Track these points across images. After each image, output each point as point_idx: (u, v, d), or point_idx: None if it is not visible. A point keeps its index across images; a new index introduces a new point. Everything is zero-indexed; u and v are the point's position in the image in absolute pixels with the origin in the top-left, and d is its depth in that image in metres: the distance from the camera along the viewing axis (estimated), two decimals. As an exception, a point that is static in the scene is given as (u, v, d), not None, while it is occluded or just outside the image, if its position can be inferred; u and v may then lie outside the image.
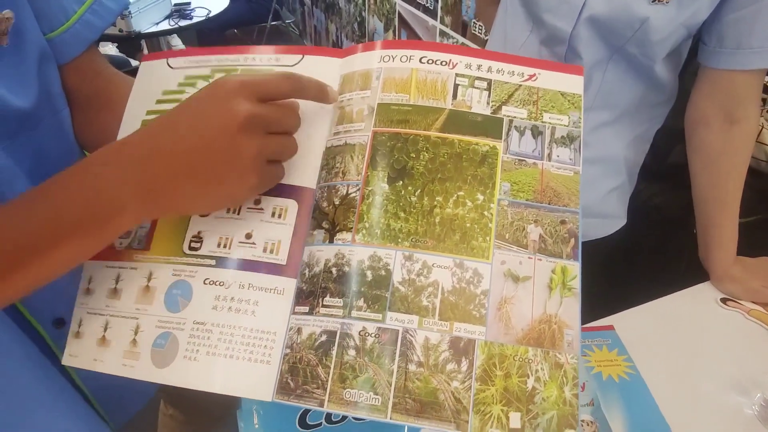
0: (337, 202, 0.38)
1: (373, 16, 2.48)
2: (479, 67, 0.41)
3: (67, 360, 0.40)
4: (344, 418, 0.45)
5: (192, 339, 0.37)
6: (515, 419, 0.32)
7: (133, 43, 2.74)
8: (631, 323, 0.64)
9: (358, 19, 2.72)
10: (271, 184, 0.38)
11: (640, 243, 0.88)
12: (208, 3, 2.63)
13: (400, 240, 0.36)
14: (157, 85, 0.44)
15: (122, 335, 0.38)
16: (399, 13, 2.14)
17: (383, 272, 0.36)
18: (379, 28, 2.44)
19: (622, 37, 0.63)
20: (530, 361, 0.34)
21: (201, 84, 0.44)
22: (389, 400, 0.32)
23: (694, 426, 0.53)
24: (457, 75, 0.41)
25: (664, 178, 0.93)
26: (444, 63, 0.41)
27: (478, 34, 1.61)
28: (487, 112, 0.40)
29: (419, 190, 0.38)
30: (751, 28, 0.59)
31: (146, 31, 2.31)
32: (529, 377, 0.33)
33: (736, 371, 0.59)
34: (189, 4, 2.59)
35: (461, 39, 1.66)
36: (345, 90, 0.42)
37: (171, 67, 0.45)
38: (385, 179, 0.38)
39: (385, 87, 0.41)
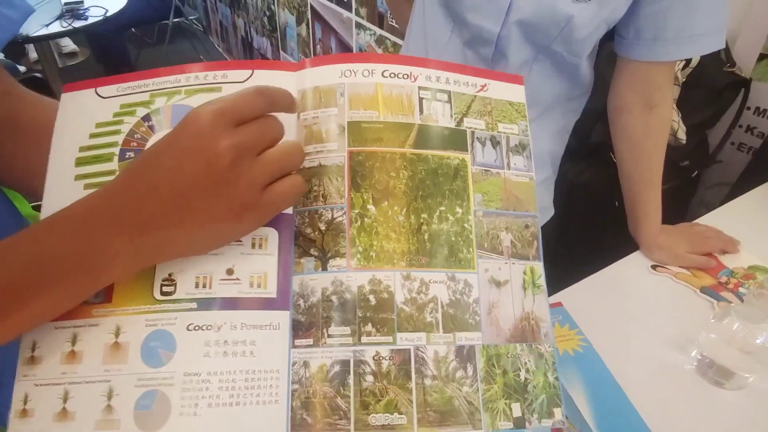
0: (323, 228, 0.38)
1: (283, 9, 2.30)
2: (438, 78, 0.43)
3: None
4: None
5: (186, 393, 0.34)
6: (516, 409, 0.37)
7: (17, 48, 2.33)
8: (577, 297, 0.71)
9: (267, 13, 2.51)
10: (285, 203, 0.36)
11: (573, 220, 0.97)
12: (105, 2, 2.33)
13: (395, 261, 0.37)
14: (88, 118, 0.38)
15: (90, 403, 0.33)
16: (311, 6, 2.01)
17: (386, 295, 0.37)
18: (291, 22, 2.28)
19: (548, 37, 0.67)
20: (519, 355, 0.38)
21: (141, 111, 0.39)
22: (413, 416, 0.34)
23: (643, 386, 0.61)
24: (420, 88, 0.42)
25: (587, 157, 1.03)
26: (406, 76, 0.42)
27: (396, 26, 1.58)
28: (452, 125, 0.42)
29: (405, 209, 0.39)
30: (665, 21, 0.66)
31: (35, 34, 2.01)
32: (520, 370, 0.38)
33: (672, 332, 0.67)
34: (82, 3, 2.25)
35: (379, 31, 1.62)
36: (307, 107, 0.40)
37: (101, 97, 0.39)
38: (371, 201, 0.38)
39: (353, 104, 0.40)
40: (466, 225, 0.40)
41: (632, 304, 0.73)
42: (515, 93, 0.45)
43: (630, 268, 0.80)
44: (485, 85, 0.44)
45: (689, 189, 1.18)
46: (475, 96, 0.43)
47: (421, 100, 0.42)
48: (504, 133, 0.43)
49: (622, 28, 0.70)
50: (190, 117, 0.32)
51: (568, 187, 0.94)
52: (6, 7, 0.39)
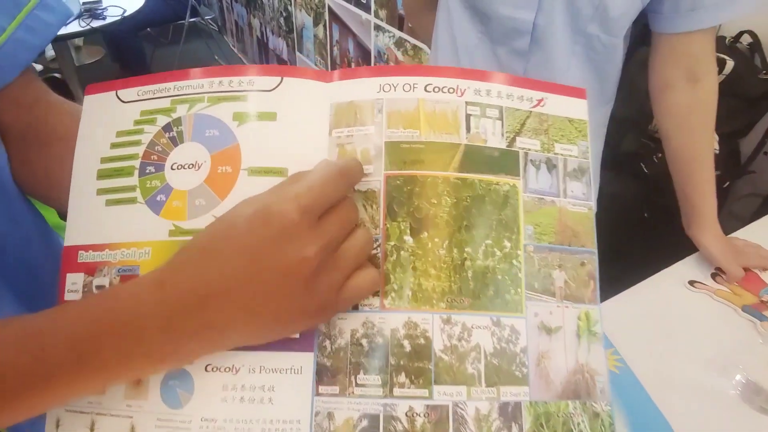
0: (354, 260, 0.34)
1: (300, 10, 2.29)
2: (488, 92, 0.38)
3: None
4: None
5: None
6: (567, 477, 0.32)
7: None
8: (610, 314, 0.66)
9: (284, 13, 2.51)
10: (361, 299, 0.33)
11: (601, 230, 0.93)
12: (122, 1, 2.35)
13: (434, 301, 0.33)
14: (109, 126, 0.35)
15: None
16: (329, 7, 1.98)
17: (422, 340, 0.32)
18: (308, 23, 2.26)
19: (583, 16, 0.64)
20: (572, 414, 0.34)
21: (162, 120, 0.35)
22: (448, 484, 0.30)
23: (683, 410, 0.56)
24: (467, 103, 0.37)
25: (616, 167, 0.99)
26: (451, 90, 0.37)
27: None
28: (503, 145, 0.37)
29: (446, 242, 0.34)
30: None
31: (53, 34, 2.05)
32: (573, 431, 0.33)
33: (713, 353, 0.62)
34: (100, 2, 2.28)
35: (398, 33, 1.58)
36: (341, 124, 0.36)
37: (122, 101, 0.36)
38: (408, 231, 0.34)
39: (391, 122, 0.36)
40: (514, 261, 0.35)
41: (669, 322, 0.69)
42: (576, 108, 0.40)
43: (666, 283, 0.75)
44: (542, 99, 0.39)
45: (720, 200, 1.14)
46: (531, 112, 0.38)
47: (468, 116, 0.37)
48: (562, 155, 0.38)
49: (656, 4, 0.68)
50: (270, 212, 0.28)
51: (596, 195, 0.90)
52: (41, 9, 0.36)
